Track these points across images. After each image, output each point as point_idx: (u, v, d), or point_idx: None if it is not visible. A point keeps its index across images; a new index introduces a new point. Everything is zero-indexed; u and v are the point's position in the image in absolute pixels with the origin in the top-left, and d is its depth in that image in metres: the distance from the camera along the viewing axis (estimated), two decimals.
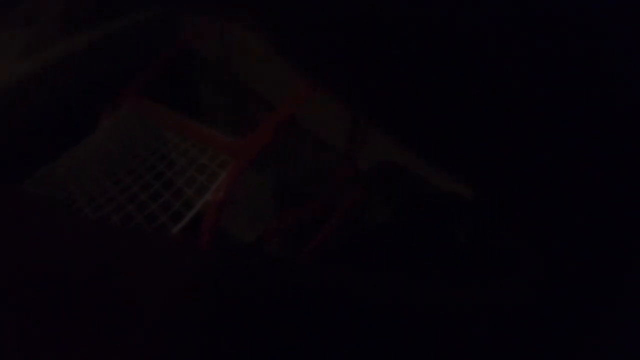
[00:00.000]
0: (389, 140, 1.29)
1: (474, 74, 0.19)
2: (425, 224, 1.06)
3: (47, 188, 0.92)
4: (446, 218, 1.05)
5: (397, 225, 1.12)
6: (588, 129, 0.18)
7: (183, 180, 0.89)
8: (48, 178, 0.94)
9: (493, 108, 0.19)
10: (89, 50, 1.19)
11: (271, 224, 1.16)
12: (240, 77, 1.28)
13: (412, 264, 0.98)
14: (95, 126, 1.04)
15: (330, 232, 1.11)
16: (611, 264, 0.23)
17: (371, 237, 1.10)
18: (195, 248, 0.58)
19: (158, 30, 1.20)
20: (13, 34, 1.16)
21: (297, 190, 1.21)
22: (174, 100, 0.98)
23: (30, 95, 1.12)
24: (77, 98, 1.09)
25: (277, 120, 0.89)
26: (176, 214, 0.86)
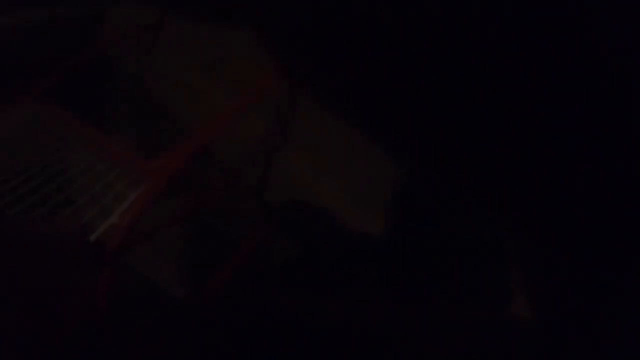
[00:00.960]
0: (301, 178, 1.27)
1: (473, 73, 0.18)
2: (333, 262, 1.05)
3: None
4: (355, 256, 1.04)
5: (304, 263, 1.09)
6: (588, 128, 0.18)
7: (85, 199, 0.81)
8: None
9: (493, 108, 0.19)
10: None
11: (178, 257, 1.10)
12: (154, 93, 1.22)
13: (322, 300, 0.96)
14: None
15: (235, 270, 1.07)
16: (611, 264, 0.23)
17: (277, 274, 1.07)
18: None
19: (77, 30, 1.13)
20: None
21: (203, 222, 1.15)
22: (82, 110, 0.91)
23: None
24: None
25: (193, 146, 0.85)
26: (76, 234, 0.78)
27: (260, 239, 1.15)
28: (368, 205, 1.27)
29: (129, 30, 1.21)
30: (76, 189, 0.83)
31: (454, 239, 1.01)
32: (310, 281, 1.06)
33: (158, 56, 1.19)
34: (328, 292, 1.02)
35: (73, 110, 0.92)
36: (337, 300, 0.97)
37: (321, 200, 1.25)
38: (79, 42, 1.11)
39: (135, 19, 1.18)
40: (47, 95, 0.96)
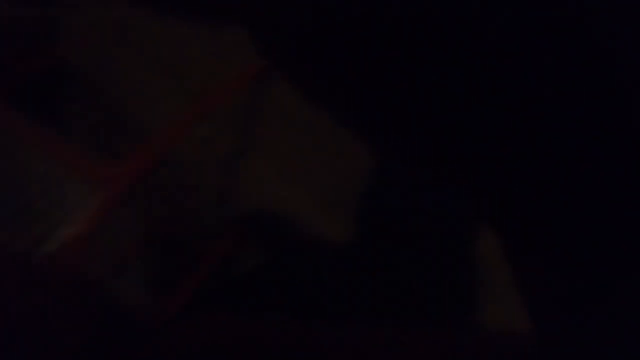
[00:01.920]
0: (268, 185, 1.24)
1: (472, 73, 0.17)
2: (300, 274, 1.03)
3: None
4: (322, 267, 1.02)
5: (270, 274, 1.07)
6: (588, 129, 0.17)
7: (41, 207, 0.77)
8: None
9: (493, 108, 0.17)
10: None
11: (140, 270, 1.06)
12: (113, 97, 1.18)
13: (286, 313, 0.93)
14: None
15: (199, 281, 1.04)
16: (611, 264, 0.21)
17: (242, 286, 1.04)
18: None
19: (35, 32, 1.08)
20: None
21: (164, 231, 1.11)
22: (33, 111, 0.86)
23: None
24: None
25: (154, 151, 0.81)
26: (25, 250, 0.74)
27: (226, 249, 1.11)
28: (336, 213, 1.25)
29: (88, 32, 1.17)
30: (31, 197, 0.79)
31: (428, 245, 0.99)
32: (276, 292, 1.03)
33: (119, 58, 1.15)
34: (295, 304, 0.99)
35: (29, 115, 0.88)
36: (304, 314, 0.94)
37: (288, 208, 1.22)
38: (36, 44, 1.06)
39: (96, 20, 1.14)
40: (1, 98, 0.92)
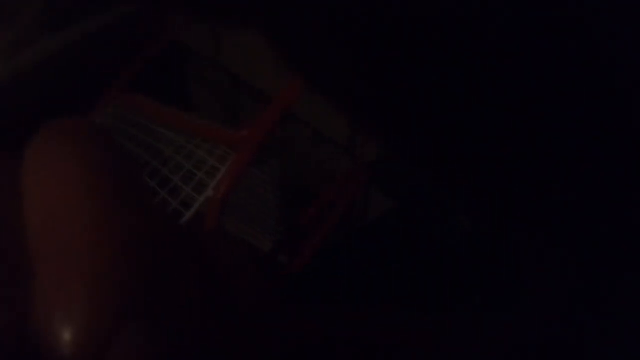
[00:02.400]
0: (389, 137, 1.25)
1: (473, 73, 0.17)
2: (423, 223, 1.02)
3: None
4: (445, 218, 1.01)
5: (397, 223, 1.07)
6: (589, 129, 0.17)
7: (180, 177, 0.84)
8: None
9: (493, 108, 0.17)
10: (70, 48, 1.13)
11: (274, 222, 1.12)
12: (232, 70, 1.23)
13: (409, 264, 0.94)
14: None
15: (330, 230, 1.07)
16: (611, 264, 0.21)
17: (371, 234, 1.06)
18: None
19: (142, 24, 1.15)
20: None
21: (296, 185, 1.16)
22: (164, 95, 0.93)
23: (12, 97, 1.06)
24: (61, 98, 1.04)
25: (276, 112, 0.84)
26: (175, 213, 0.81)
27: (355, 196, 1.14)
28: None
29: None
30: (170, 170, 0.86)
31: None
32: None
33: (231, 32, 1.19)
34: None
35: (156, 99, 0.94)
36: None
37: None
38: (151, 32, 1.12)
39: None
40: (130, 88, 0.99)
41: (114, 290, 0.12)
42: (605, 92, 0.18)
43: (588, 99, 0.18)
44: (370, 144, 1.12)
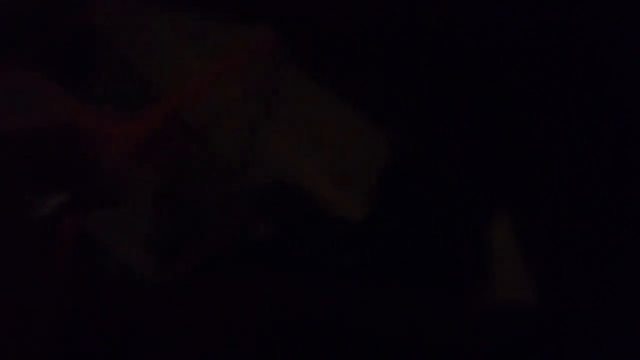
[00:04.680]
0: (285, 157, 1.23)
1: (473, 74, 0.16)
2: (309, 246, 1.01)
3: None
4: (332, 241, 1.00)
5: (282, 246, 1.05)
6: (589, 129, 0.16)
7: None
8: None
9: (493, 108, 0.17)
10: None
11: (149, 234, 1.05)
12: (134, 62, 1.17)
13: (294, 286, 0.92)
14: None
15: (208, 249, 1.03)
16: (612, 264, 0.21)
17: (253, 256, 1.02)
18: None
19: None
20: None
21: (179, 196, 1.10)
22: (67, 77, 0.87)
23: None
24: None
25: (166, 108, 0.80)
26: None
27: (238, 219, 1.11)
28: (352, 190, 1.23)
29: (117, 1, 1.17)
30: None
31: (439, 228, 0.97)
32: (285, 265, 1.02)
33: (142, 24, 1.14)
34: (303, 277, 0.98)
35: (53, 76, 0.89)
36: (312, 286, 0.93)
37: (304, 182, 1.20)
38: (66, 11, 1.06)
39: None
40: (33, 62, 0.92)
41: None
42: (605, 92, 0.17)
43: (588, 98, 0.18)
44: (263, 163, 1.09)
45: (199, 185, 1.14)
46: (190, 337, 0.65)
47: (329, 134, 1.24)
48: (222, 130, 1.09)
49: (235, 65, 0.90)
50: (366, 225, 1.08)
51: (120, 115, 0.96)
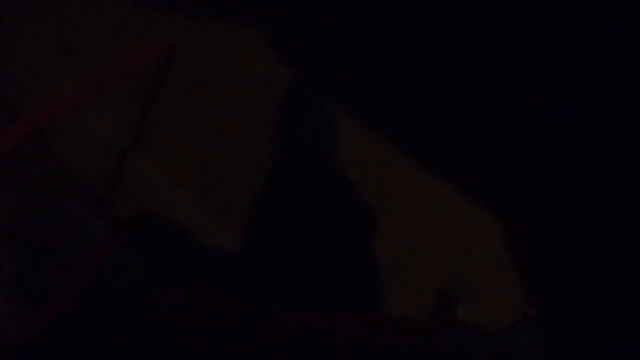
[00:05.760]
0: (155, 186, 1.15)
1: (473, 72, 0.15)
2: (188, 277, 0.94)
3: None
4: (208, 272, 0.94)
5: (153, 284, 0.97)
6: (590, 129, 0.16)
7: None
8: None
9: (493, 108, 0.16)
10: None
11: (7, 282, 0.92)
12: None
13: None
14: None
15: (77, 292, 0.92)
16: (612, 263, 0.20)
17: (122, 296, 0.93)
18: None
19: None
20: None
21: (38, 239, 0.98)
22: None
23: None
24: None
25: (22, 129, 0.71)
26: None
27: (107, 256, 1.01)
28: (225, 220, 1.18)
29: None
30: None
31: (323, 253, 0.96)
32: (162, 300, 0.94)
33: (15, 30, 1.03)
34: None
35: None
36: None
37: (175, 213, 1.13)
38: None
39: None
40: None
41: None
42: (605, 91, 0.18)
43: (588, 98, 0.18)
44: (132, 192, 1.01)
45: (57, 215, 1.02)
46: None
47: (203, 166, 1.18)
48: (84, 154, 0.99)
49: (107, 85, 0.82)
50: (242, 254, 1.03)
51: None
